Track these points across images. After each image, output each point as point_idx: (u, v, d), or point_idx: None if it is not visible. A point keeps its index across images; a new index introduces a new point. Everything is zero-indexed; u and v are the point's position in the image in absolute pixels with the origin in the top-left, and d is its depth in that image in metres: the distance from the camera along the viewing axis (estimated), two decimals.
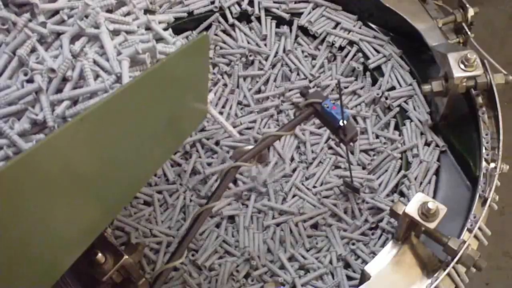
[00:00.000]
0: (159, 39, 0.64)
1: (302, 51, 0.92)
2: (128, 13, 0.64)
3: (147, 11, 0.66)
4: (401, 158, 0.81)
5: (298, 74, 0.91)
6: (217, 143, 0.86)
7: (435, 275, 0.62)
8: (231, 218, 0.81)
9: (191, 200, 0.81)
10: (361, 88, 0.89)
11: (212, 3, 0.92)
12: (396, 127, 0.85)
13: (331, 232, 0.78)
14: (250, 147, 0.67)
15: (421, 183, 0.77)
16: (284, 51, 0.91)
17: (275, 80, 0.90)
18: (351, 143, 0.73)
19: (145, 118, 0.55)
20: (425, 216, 0.58)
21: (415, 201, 0.59)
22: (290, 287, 0.74)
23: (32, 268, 0.48)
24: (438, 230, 0.61)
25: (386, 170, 0.81)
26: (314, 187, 0.82)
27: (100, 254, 0.57)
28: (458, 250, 0.60)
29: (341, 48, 0.91)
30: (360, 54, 0.89)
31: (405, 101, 0.84)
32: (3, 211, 0.42)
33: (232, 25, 0.93)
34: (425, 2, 0.84)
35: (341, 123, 0.68)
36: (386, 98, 0.85)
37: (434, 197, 0.74)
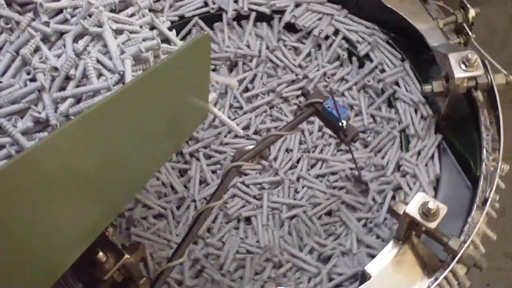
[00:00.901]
0: (164, 39, 0.65)
1: (285, 45, 0.92)
2: (133, 14, 0.65)
3: (150, 10, 0.67)
4: (400, 136, 0.82)
5: (284, 68, 0.91)
6: (217, 150, 0.85)
7: (436, 275, 0.62)
8: (247, 220, 0.81)
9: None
10: (348, 73, 0.89)
11: (206, 5, 0.91)
12: (390, 107, 0.86)
13: (346, 215, 0.78)
14: (251, 147, 0.67)
15: (424, 159, 0.77)
16: (268, 48, 0.91)
17: (261, 78, 0.90)
18: (352, 143, 0.73)
19: (147, 116, 0.55)
20: (425, 216, 0.58)
21: (415, 201, 0.59)
22: (314, 277, 0.73)
23: (33, 267, 0.48)
24: (439, 230, 0.61)
25: (387, 148, 0.82)
26: (321, 175, 0.82)
27: (101, 253, 0.58)
28: (459, 250, 0.60)
29: (326, 38, 0.91)
30: (343, 42, 0.89)
31: (396, 83, 0.85)
32: (3, 210, 0.42)
33: (213, 29, 0.92)
34: (426, 3, 0.84)
35: (342, 123, 0.68)
36: (379, 82, 0.86)
37: (434, 197, 0.74)
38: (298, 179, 0.82)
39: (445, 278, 0.62)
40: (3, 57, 0.56)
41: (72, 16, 0.60)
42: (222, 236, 0.78)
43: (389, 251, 0.64)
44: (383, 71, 0.86)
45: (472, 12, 0.78)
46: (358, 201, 0.79)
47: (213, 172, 0.84)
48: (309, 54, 0.91)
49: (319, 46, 0.91)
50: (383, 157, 0.81)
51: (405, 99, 0.83)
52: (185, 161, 0.85)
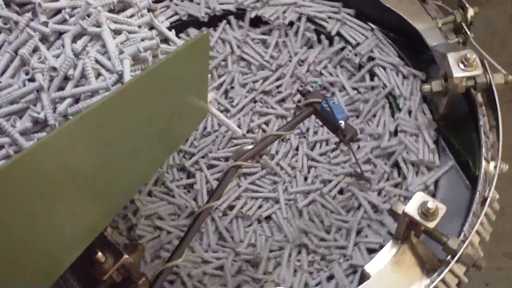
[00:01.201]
0: (163, 39, 0.65)
1: (253, 39, 0.91)
2: (132, 15, 0.65)
3: (149, 10, 0.67)
4: (389, 102, 0.84)
5: (259, 66, 0.90)
6: (217, 158, 0.84)
7: (435, 274, 0.62)
8: (266, 218, 0.80)
9: (220, 218, 0.79)
10: (319, 53, 0.90)
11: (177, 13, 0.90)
12: (371, 78, 0.87)
13: (357, 189, 0.79)
14: (250, 146, 0.67)
15: (416, 115, 0.80)
16: (238, 47, 0.91)
17: (238, 79, 0.89)
18: (351, 143, 0.73)
19: (146, 116, 0.55)
20: (424, 215, 0.58)
21: (414, 200, 0.59)
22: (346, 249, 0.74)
23: (32, 267, 0.48)
24: (438, 230, 0.61)
25: (379, 115, 0.83)
26: (323, 153, 0.83)
27: (100, 253, 0.58)
28: (458, 249, 0.60)
29: (290, 24, 0.91)
30: (310, 24, 0.90)
31: (371, 51, 0.87)
32: (2, 210, 0.42)
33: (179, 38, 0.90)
34: (424, 2, 0.84)
35: (341, 123, 0.68)
36: (356, 55, 0.87)
37: (434, 195, 0.74)
38: (302, 165, 0.82)
39: (444, 277, 0.62)
40: (1, 57, 0.57)
41: (71, 16, 0.60)
42: (249, 240, 0.77)
43: (388, 251, 0.64)
44: (357, 45, 0.88)
45: (470, 12, 0.78)
46: (367, 169, 0.80)
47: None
48: (277, 45, 0.91)
49: (286, 35, 0.91)
50: (377, 125, 0.83)
51: (384, 64, 0.85)
52: (188, 176, 0.83)
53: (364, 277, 0.64)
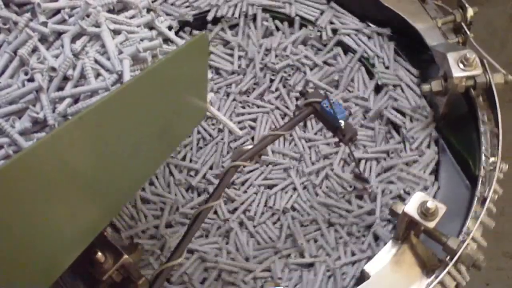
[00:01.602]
0: (163, 39, 0.65)
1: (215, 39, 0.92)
2: (132, 16, 0.65)
3: (149, 10, 0.67)
4: (363, 65, 0.87)
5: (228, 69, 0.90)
6: (222, 166, 0.84)
7: (435, 274, 0.62)
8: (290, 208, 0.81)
9: (233, 221, 0.79)
10: (281, 38, 0.91)
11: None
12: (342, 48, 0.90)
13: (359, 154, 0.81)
14: (250, 146, 0.67)
15: (395, 68, 0.84)
16: None
17: (212, 89, 0.90)
18: (350, 143, 0.73)
19: (145, 116, 0.55)
20: (424, 215, 0.58)
21: (414, 200, 0.59)
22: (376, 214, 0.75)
23: (31, 267, 0.48)
24: (438, 230, 0.61)
25: (357, 80, 0.86)
26: (317, 132, 0.85)
27: (99, 253, 0.58)
28: (458, 249, 0.60)
29: (246, 16, 0.91)
30: (266, 15, 0.91)
31: (330, 22, 0.90)
32: (1, 210, 0.42)
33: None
34: (424, 2, 0.84)
35: (341, 123, 0.68)
36: (319, 31, 0.89)
37: (433, 197, 0.74)
38: (303, 147, 0.83)
39: (444, 277, 0.62)
40: (1, 58, 0.56)
41: (70, 17, 0.60)
42: (285, 233, 0.77)
43: (388, 251, 0.64)
44: (316, 20, 0.90)
45: (470, 12, 0.78)
46: (366, 136, 0.82)
47: (228, 187, 0.81)
48: (240, 45, 0.91)
49: (249, 27, 0.92)
50: (358, 89, 0.85)
51: (347, 31, 0.88)
52: (198, 194, 0.81)
53: (363, 277, 0.64)
